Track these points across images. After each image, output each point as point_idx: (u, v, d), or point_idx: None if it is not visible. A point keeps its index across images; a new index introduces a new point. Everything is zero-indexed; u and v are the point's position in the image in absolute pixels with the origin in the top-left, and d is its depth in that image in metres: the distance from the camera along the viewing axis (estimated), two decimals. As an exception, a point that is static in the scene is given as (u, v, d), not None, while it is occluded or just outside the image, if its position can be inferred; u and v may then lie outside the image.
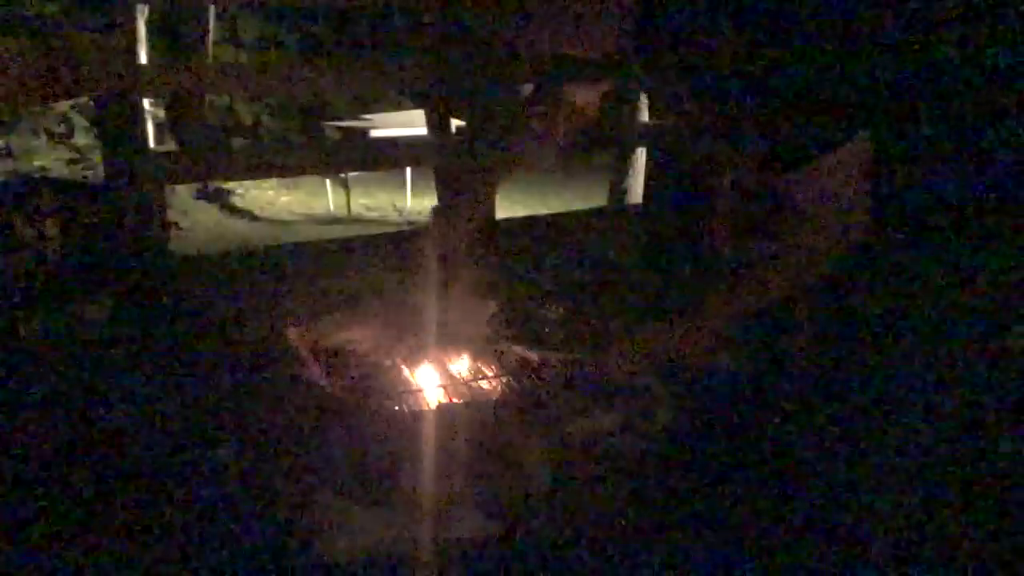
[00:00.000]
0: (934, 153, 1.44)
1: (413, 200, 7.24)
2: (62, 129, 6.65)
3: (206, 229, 6.19)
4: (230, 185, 7.12)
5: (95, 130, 6.10)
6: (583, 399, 2.30)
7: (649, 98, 4.74)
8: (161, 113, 7.18)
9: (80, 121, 6.62)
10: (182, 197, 6.49)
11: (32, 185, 3.05)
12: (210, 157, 3.78)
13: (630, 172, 5.61)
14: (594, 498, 1.86)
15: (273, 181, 7.62)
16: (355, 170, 6.14)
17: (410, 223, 6.57)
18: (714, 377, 2.43)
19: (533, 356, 2.64)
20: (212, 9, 7.53)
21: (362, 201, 7.26)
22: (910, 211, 1.47)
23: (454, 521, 1.75)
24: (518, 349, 2.70)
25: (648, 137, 4.38)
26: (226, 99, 8.30)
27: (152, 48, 6.62)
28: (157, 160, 3.26)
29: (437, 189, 3.86)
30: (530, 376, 2.48)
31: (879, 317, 1.64)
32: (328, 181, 7.10)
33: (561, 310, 2.91)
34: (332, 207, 7.05)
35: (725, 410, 2.25)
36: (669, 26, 1.35)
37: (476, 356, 2.66)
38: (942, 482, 1.68)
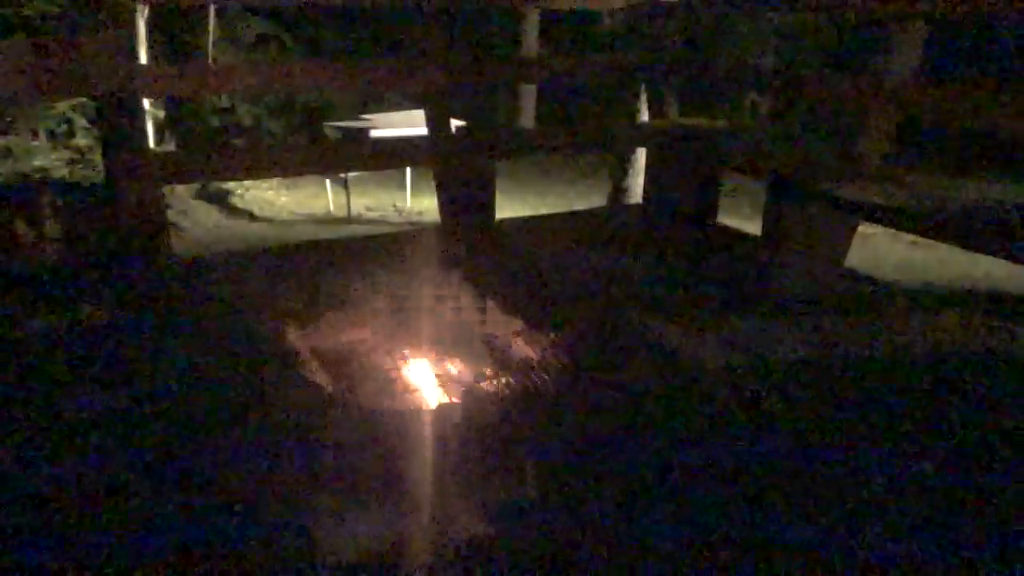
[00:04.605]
0: None
1: (413, 200, 7.24)
2: (62, 129, 6.64)
3: (206, 229, 6.18)
4: (230, 185, 7.12)
5: (95, 130, 6.10)
6: (585, 399, 2.30)
7: (648, 98, 4.75)
8: (161, 113, 7.18)
9: (80, 121, 6.62)
10: (182, 197, 6.49)
11: (32, 185, 3.05)
12: (210, 157, 3.77)
13: (630, 172, 5.61)
14: (595, 498, 1.86)
15: (273, 181, 7.62)
16: (355, 170, 6.13)
17: (410, 223, 6.57)
18: (720, 379, 2.43)
19: (534, 355, 2.64)
20: (212, 9, 7.53)
21: (362, 201, 7.26)
22: None
23: (453, 521, 1.75)
24: (518, 347, 2.70)
25: (648, 137, 4.38)
26: (226, 99, 8.30)
27: (152, 48, 6.63)
28: (157, 160, 3.26)
29: (437, 189, 3.86)
30: (530, 376, 2.48)
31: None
32: (328, 181, 7.10)
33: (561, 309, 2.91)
34: (332, 207, 7.05)
35: (729, 413, 2.25)
36: None
37: (476, 356, 2.66)
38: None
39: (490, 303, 2.96)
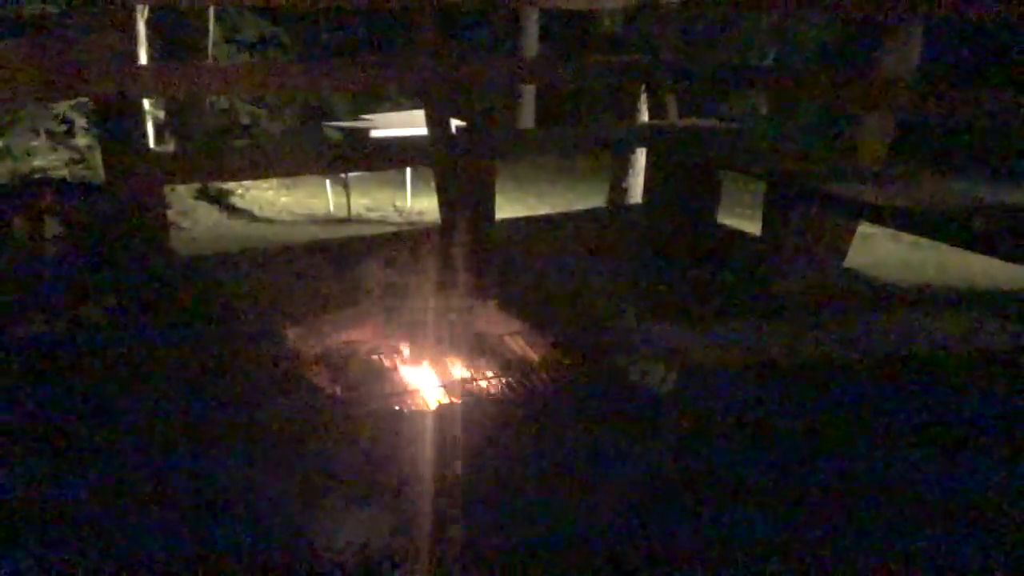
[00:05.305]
0: None
1: (413, 200, 7.24)
2: (62, 129, 6.64)
3: (206, 229, 6.18)
4: (230, 185, 7.10)
5: (95, 130, 6.10)
6: (585, 401, 2.30)
7: (648, 98, 4.75)
8: (161, 113, 7.17)
9: (80, 121, 6.61)
10: (182, 197, 6.48)
11: (32, 185, 3.05)
12: (210, 157, 3.77)
13: (630, 172, 5.61)
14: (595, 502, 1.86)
15: (273, 181, 7.61)
16: (355, 170, 6.13)
17: (410, 223, 6.56)
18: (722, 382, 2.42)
19: (534, 355, 2.64)
20: (212, 9, 7.53)
21: (362, 201, 7.25)
22: None
23: (453, 521, 1.75)
24: (519, 347, 2.70)
25: (648, 137, 4.38)
26: (226, 99, 8.29)
27: (152, 48, 6.62)
28: (157, 160, 3.26)
29: (437, 189, 3.86)
30: (530, 376, 2.47)
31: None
32: (328, 181, 7.09)
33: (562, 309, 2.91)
34: (332, 207, 7.04)
35: (733, 416, 2.24)
36: None
37: (476, 356, 2.66)
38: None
39: (490, 303, 2.96)
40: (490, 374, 2.52)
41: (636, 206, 4.76)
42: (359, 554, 1.63)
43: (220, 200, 6.98)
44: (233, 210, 6.90)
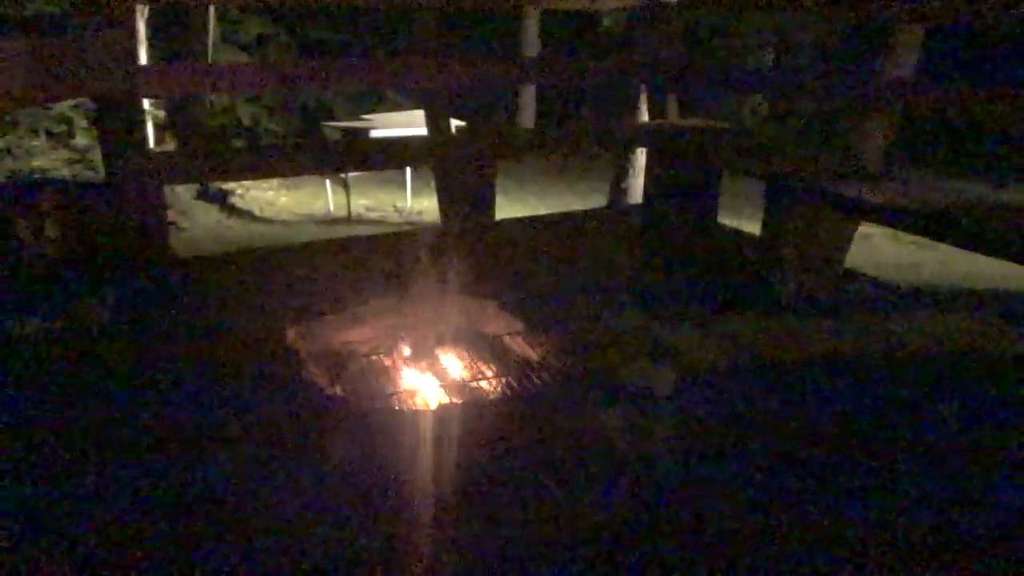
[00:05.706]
0: None
1: (413, 200, 7.24)
2: (62, 129, 6.64)
3: (206, 229, 6.18)
4: (230, 185, 7.11)
5: (95, 130, 6.10)
6: (584, 398, 2.30)
7: (648, 98, 4.75)
8: (161, 113, 7.17)
9: (80, 121, 6.62)
10: (182, 197, 6.48)
11: (32, 185, 3.05)
12: (210, 157, 3.77)
13: (630, 172, 5.61)
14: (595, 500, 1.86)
15: (273, 181, 7.61)
16: (355, 170, 6.13)
17: (410, 223, 6.56)
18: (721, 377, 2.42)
19: (534, 355, 2.64)
20: (212, 9, 7.53)
21: (362, 201, 7.25)
22: None
23: (453, 521, 1.75)
24: (519, 347, 2.70)
25: (648, 137, 4.39)
26: (226, 99, 8.29)
27: (152, 48, 6.63)
28: (157, 160, 3.26)
29: (437, 189, 3.86)
30: (530, 376, 2.48)
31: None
32: (328, 181, 7.09)
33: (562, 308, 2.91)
34: (332, 207, 7.04)
35: (732, 410, 2.24)
36: None
37: (476, 356, 2.67)
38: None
39: (490, 303, 2.96)
40: (490, 374, 2.53)
41: (636, 206, 4.76)
42: (358, 554, 1.63)
43: (220, 200, 6.99)
44: (233, 210, 6.90)
